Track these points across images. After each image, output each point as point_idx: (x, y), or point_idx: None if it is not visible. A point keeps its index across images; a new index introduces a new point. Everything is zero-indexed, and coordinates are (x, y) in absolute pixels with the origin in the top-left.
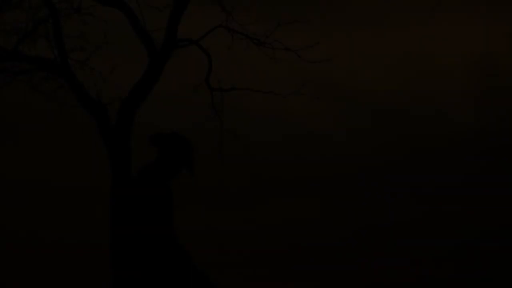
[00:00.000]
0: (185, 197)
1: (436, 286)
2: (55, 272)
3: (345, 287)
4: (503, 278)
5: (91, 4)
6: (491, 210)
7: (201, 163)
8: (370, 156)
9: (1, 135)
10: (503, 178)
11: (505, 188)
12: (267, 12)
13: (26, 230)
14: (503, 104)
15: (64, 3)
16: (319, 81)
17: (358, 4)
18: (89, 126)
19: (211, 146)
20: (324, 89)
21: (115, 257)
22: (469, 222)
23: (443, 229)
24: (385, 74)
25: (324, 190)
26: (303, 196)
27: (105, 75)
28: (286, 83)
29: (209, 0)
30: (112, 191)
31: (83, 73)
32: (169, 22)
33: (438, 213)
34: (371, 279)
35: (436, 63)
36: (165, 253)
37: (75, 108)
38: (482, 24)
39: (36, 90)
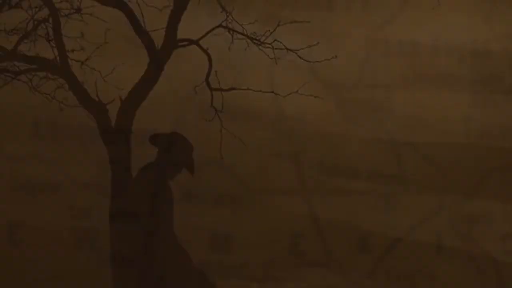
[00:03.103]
0: (184, 197)
1: None
2: (54, 272)
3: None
4: None
5: (91, 4)
6: (488, 211)
7: (200, 163)
8: (371, 155)
9: (0, 135)
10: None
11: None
12: (267, 12)
13: (23, 226)
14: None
15: (64, 3)
16: (320, 81)
17: (358, 3)
18: (89, 126)
19: (210, 146)
20: (324, 89)
21: (115, 256)
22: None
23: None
24: (385, 73)
25: (324, 189)
26: (303, 196)
27: (105, 75)
28: (286, 83)
29: (209, 0)
30: (112, 191)
31: (83, 73)
32: (169, 22)
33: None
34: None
35: (436, 63)
36: (166, 251)
37: (75, 108)
38: (481, 23)
39: (36, 90)
